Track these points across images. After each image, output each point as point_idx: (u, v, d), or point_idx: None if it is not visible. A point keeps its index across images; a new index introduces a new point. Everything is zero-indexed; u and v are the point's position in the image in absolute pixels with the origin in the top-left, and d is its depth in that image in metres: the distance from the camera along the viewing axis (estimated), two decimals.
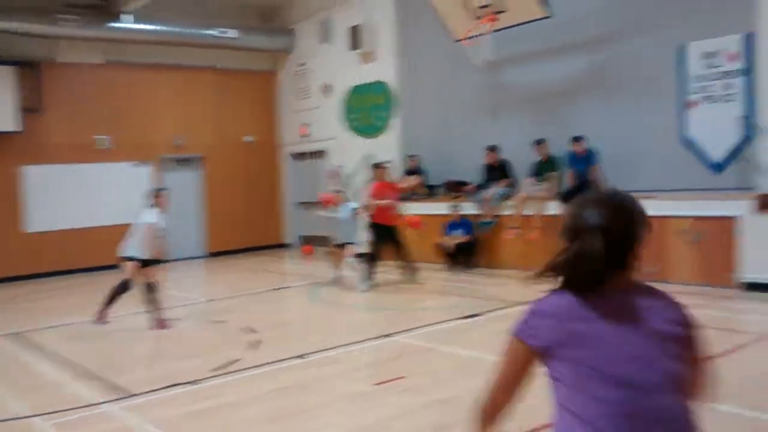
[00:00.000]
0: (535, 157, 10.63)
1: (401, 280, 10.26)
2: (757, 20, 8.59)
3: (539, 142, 10.53)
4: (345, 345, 6.67)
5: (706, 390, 1.85)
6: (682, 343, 1.75)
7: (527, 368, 1.79)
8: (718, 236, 8.43)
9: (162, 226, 7.81)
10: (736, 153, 8.96)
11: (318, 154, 15.91)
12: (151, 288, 7.83)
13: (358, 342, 6.85)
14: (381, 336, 7.07)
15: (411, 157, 12.89)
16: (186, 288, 11.41)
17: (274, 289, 10.76)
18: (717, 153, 9.22)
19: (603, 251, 1.71)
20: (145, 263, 7.81)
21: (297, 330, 8.02)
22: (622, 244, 1.74)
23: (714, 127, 9.19)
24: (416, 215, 10.90)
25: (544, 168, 10.50)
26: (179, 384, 5.59)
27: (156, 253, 7.84)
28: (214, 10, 15.07)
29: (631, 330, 1.71)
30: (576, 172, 10.03)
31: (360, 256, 10.23)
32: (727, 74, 9.08)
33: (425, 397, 5.07)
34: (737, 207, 8.29)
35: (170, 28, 14.20)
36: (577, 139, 9.92)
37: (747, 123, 8.72)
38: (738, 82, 8.98)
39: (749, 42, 8.80)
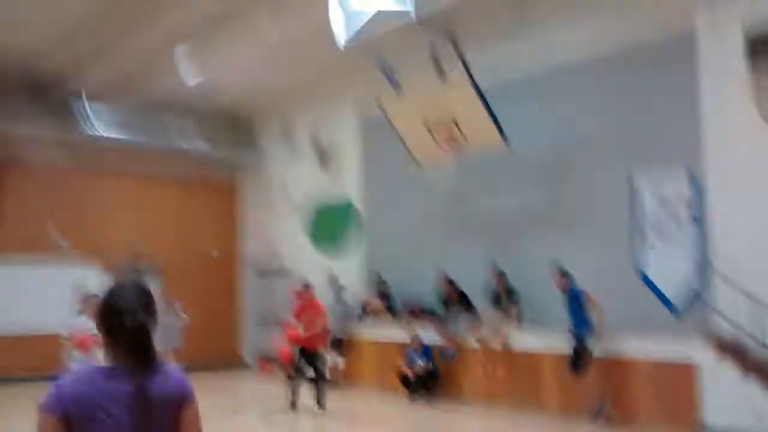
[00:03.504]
0: (494, 287, 10.54)
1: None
2: (704, 163, 8.80)
3: (499, 275, 10.45)
4: None
5: None
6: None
7: None
8: (680, 379, 8.30)
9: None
10: (694, 296, 8.93)
11: (281, 271, 15.69)
12: None
13: None
14: None
15: (381, 280, 12.81)
16: None
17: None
18: (675, 295, 9.19)
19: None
20: None
21: None
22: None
23: (671, 268, 9.20)
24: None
25: (503, 300, 10.40)
26: None
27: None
28: (178, 121, 14.94)
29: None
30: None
31: None
32: (680, 216, 9.17)
33: None
34: (699, 350, 8.17)
35: (134, 137, 14.14)
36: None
37: (704, 268, 8.71)
38: (690, 224, 9.05)
39: (695, 184, 8.96)
